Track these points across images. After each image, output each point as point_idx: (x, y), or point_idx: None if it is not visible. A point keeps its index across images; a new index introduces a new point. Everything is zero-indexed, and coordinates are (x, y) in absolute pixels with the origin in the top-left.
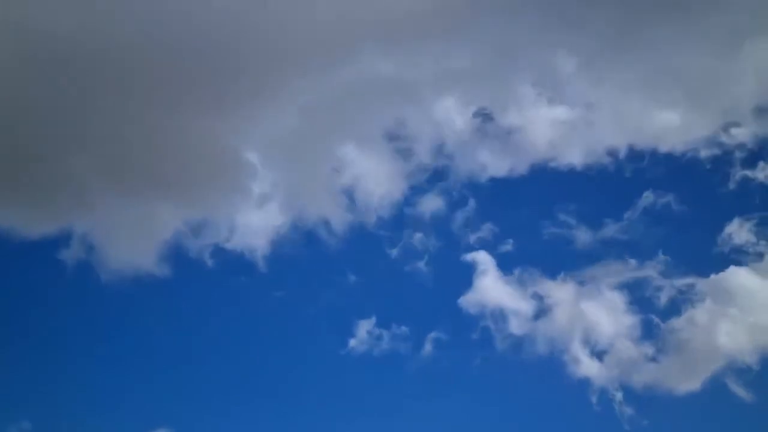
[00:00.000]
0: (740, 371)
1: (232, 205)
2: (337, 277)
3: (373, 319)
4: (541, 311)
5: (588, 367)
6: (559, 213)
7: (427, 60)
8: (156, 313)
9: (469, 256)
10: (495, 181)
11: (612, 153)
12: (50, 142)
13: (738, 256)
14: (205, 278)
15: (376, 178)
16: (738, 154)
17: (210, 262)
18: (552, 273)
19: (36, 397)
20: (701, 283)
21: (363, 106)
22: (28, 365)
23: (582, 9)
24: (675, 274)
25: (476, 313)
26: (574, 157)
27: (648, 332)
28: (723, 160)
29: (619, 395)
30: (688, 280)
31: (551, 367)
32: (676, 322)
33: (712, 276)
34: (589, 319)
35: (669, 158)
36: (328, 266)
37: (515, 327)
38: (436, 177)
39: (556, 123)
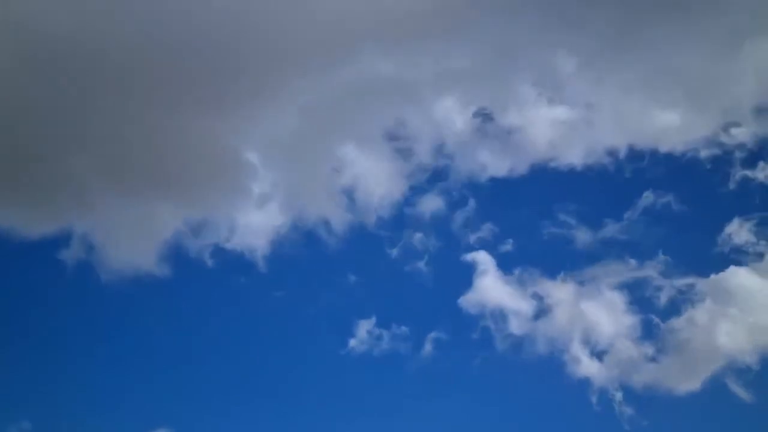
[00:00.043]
0: (740, 371)
1: (232, 205)
2: (337, 277)
3: (373, 319)
4: (541, 311)
5: (588, 367)
6: (559, 213)
7: (427, 60)
8: (156, 313)
9: (469, 256)
10: (495, 181)
11: (612, 153)
12: (50, 142)
13: (738, 256)
14: (205, 278)
15: (376, 178)
16: (738, 154)
17: (210, 262)
18: (552, 273)
19: (36, 397)
20: (701, 283)
21: (363, 106)
22: (28, 365)
23: (582, 9)
24: (675, 274)
25: (476, 313)
26: (574, 157)
27: (648, 332)
28: (723, 160)
29: (619, 395)
30: (688, 280)
31: (551, 367)
32: (676, 322)
33: (712, 276)
34: (589, 319)
35: (669, 158)
36: (328, 266)
37: (515, 327)
38: (436, 177)
39: (556, 123)
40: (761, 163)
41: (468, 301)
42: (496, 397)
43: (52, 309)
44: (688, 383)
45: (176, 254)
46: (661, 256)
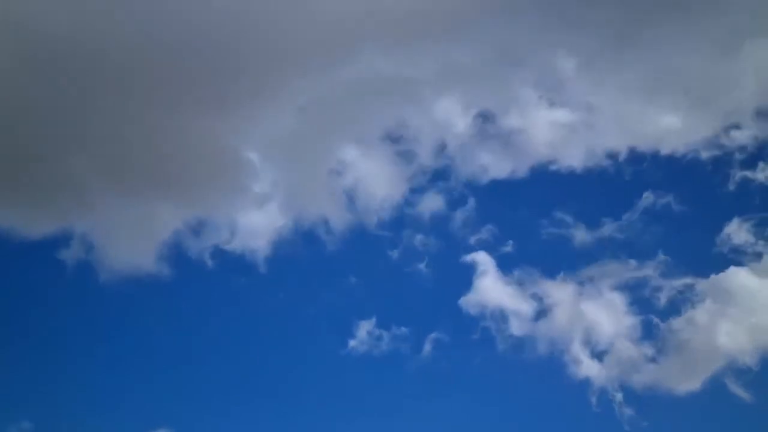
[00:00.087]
0: (740, 372)
1: (232, 206)
2: (337, 278)
3: (374, 320)
4: (542, 312)
5: (588, 367)
6: (559, 213)
7: (427, 60)
8: (156, 313)
9: (469, 257)
10: (495, 182)
11: (612, 154)
12: (50, 142)
13: (738, 257)
14: (205, 278)
15: (376, 179)
16: (738, 156)
17: (210, 263)
18: (552, 274)
19: (36, 397)
20: (701, 284)
21: (363, 106)
22: (28, 365)
23: (582, 9)
24: (675, 275)
25: (476, 314)
26: (574, 158)
27: (648, 333)
28: (723, 161)
29: (619, 396)
30: (688, 280)
31: (551, 367)
32: (676, 323)
33: (712, 276)
34: (590, 319)
35: (669, 160)
36: (328, 267)
37: (516, 328)
38: (437, 177)
39: (556, 125)
40: (761, 164)
41: (468, 302)
42: (496, 398)
43: (52, 309)
44: (688, 384)
45: (176, 254)
46: (661, 257)
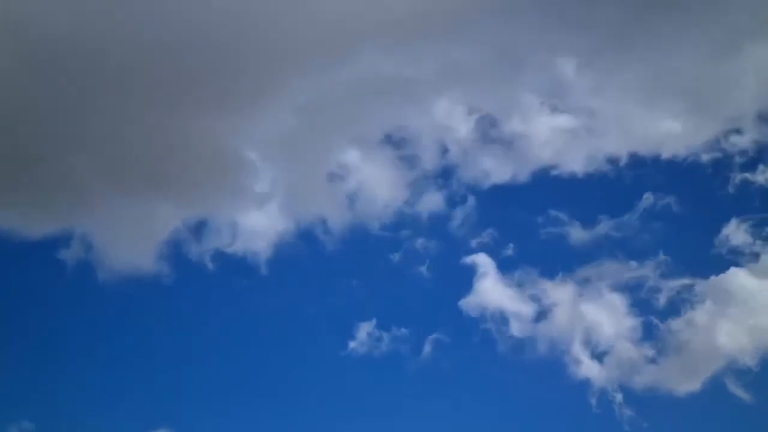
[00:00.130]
0: (740, 372)
1: (232, 206)
2: (337, 280)
3: (374, 321)
4: (542, 313)
5: (588, 368)
6: (559, 215)
7: (427, 60)
8: (156, 313)
9: (470, 259)
10: (496, 185)
11: (613, 156)
12: (50, 142)
13: (738, 258)
14: (205, 279)
15: (377, 180)
16: (738, 159)
17: (210, 263)
18: (552, 275)
19: (37, 397)
20: (701, 284)
21: (363, 106)
22: (29, 365)
23: (582, 11)
24: (675, 276)
25: (477, 315)
26: (575, 161)
27: (648, 333)
28: (723, 164)
29: (619, 396)
30: (688, 281)
31: (552, 368)
32: (676, 323)
33: (712, 277)
34: (590, 320)
35: (670, 163)
36: (328, 268)
37: (516, 329)
38: (437, 178)
39: (557, 128)
40: (761, 166)
41: (468, 303)
42: (496, 399)
43: (52, 309)
44: (688, 384)
45: (176, 254)
46: (661, 258)
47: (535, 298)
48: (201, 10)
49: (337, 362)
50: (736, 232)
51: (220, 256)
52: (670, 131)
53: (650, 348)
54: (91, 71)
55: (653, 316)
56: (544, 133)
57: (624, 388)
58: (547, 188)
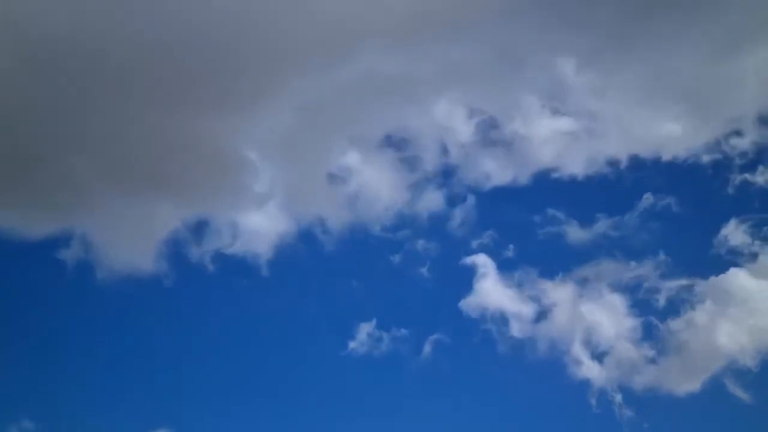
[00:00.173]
0: (740, 372)
1: (232, 206)
2: (337, 280)
3: (374, 322)
4: (542, 314)
5: (588, 368)
6: (559, 215)
7: (427, 60)
8: (156, 313)
9: (470, 260)
10: (496, 187)
11: (613, 159)
12: (50, 142)
13: (738, 258)
14: (205, 279)
15: (377, 181)
16: (738, 161)
17: (210, 263)
18: (552, 276)
19: (37, 397)
20: (701, 285)
21: (363, 106)
22: (29, 365)
23: (583, 11)
24: (675, 276)
25: (477, 316)
26: (575, 163)
27: (648, 334)
28: (723, 165)
29: (618, 397)
30: (688, 281)
31: (552, 369)
32: (676, 324)
33: (712, 278)
34: (590, 321)
35: (671, 164)
36: (328, 269)
37: (516, 330)
38: (437, 179)
39: (558, 130)
40: (761, 167)
41: (469, 304)
42: (496, 399)
43: (52, 309)
44: (688, 385)
45: (176, 254)
46: (661, 258)
47: (535, 299)
48: (201, 10)
49: (338, 362)
50: (735, 233)
51: (219, 256)
52: (670, 133)
53: (650, 348)
54: (91, 71)
55: (653, 317)
56: (544, 134)
57: (624, 389)
58: (548, 190)
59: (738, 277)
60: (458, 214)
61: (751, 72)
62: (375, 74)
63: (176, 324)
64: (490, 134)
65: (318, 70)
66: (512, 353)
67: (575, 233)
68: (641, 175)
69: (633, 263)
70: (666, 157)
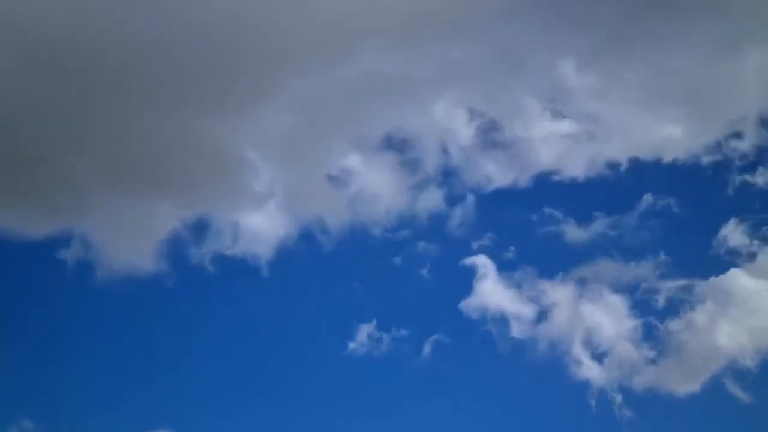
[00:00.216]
0: (739, 373)
1: (232, 206)
2: (338, 281)
3: (374, 323)
4: (542, 314)
5: (588, 369)
6: (558, 216)
7: (427, 60)
8: (156, 313)
9: (470, 261)
10: (497, 189)
11: (614, 161)
12: (50, 142)
13: (737, 258)
14: (205, 279)
15: (377, 181)
16: (738, 162)
17: (210, 264)
18: (552, 277)
19: (37, 397)
20: (701, 285)
21: (363, 106)
22: (29, 365)
23: (583, 12)
24: (675, 276)
25: (477, 317)
26: (575, 165)
27: (648, 334)
28: (723, 166)
29: (618, 397)
30: (688, 281)
31: (552, 369)
32: (676, 324)
33: (712, 278)
34: (590, 321)
35: (671, 166)
36: (328, 270)
37: (516, 330)
38: (437, 180)
39: (558, 132)
40: (760, 168)
41: (469, 305)
42: (496, 399)
43: (52, 309)
44: (688, 385)
45: (176, 254)
46: (661, 258)
47: (535, 300)
48: (201, 10)
49: (338, 363)
50: (735, 233)
51: (219, 257)
52: (670, 135)
53: (650, 349)
54: (91, 71)
55: (653, 317)
56: (544, 136)
57: (624, 389)
58: (548, 192)
59: (737, 278)
60: (458, 215)
61: (752, 73)
62: (375, 74)
63: (176, 324)
64: (490, 135)
65: (318, 70)
66: (512, 354)
67: (575, 234)
68: (641, 176)
69: (633, 263)
70: (666, 158)
